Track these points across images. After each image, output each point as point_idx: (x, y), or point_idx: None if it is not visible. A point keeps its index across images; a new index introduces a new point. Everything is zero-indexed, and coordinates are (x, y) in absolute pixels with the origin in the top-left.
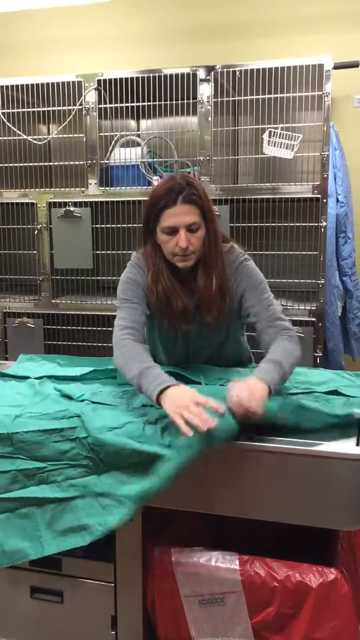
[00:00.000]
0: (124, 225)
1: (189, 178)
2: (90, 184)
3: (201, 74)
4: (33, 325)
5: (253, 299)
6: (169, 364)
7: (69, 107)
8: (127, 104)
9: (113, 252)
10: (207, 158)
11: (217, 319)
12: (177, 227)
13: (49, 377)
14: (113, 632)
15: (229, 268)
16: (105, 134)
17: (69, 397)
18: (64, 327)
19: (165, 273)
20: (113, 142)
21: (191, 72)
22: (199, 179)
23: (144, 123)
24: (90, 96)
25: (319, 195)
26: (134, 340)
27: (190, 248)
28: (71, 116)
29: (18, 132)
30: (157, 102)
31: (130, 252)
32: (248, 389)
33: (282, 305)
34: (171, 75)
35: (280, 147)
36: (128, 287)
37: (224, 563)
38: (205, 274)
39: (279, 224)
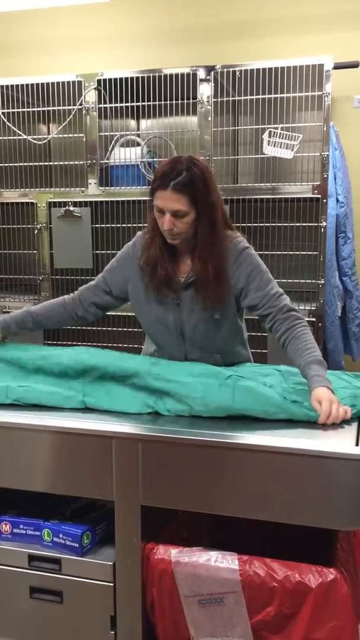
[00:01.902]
0: (124, 225)
1: (194, 163)
2: (90, 183)
3: (201, 73)
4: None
5: (260, 289)
6: (167, 343)
7: (69, 107)
8: (127, 104)
9: (113, 251)
10: (207, 158)
11: (213, 301)
12: (164, 210)
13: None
14: (112, 632)
15: (231, 250)
16: (105, 133)
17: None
18: (64, 327)
19: (158, 242)
20: (113, 142)
21: (191, 72)
22: None
23: (143, 123)
24: (90, 96)
25: (319, 196)
26: (61, 302)
27: (175, 230)
28: (71, 116)
29: (18, 131)
30: (157, 102)
31: None
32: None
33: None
34: (171, 75)
35: (280, 147)
36: (111, 269)
37: (223, 563)
38: (201, 259)
39: (278, 224)
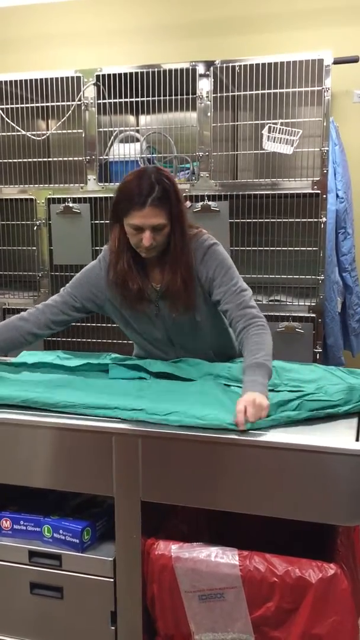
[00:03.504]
0: None
1: (162, 174)
2: (89, 179)
3: (200, 69)
4: None
5: (222, 285)
6: (158, 350)
7: (68, 103)
8: (126, 100)
9: None
10: (207, 153)
11: (188, 306)
12: (143, 228)
13: (43, 363)
14: (113, 628)
15: (197, 251)
16: (104, 129)
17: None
18: None
19: (126, 257)
20: (112, 137)
21: (190, 68)
22: (199, 175)
23: (143, 118)
24: (89, 91)
25: (319, 191)
26: (21, 318)
27: (153, 244)
28: (70, 112)
29: (17, 127)
30: (156, 98)
31: None
32: (253, 406)
33: (282, 301)
34: (170, 71)
35: (280, 143)
36: (79, 285)
37: (223, 558)
38: (172, 269)
39: (278, 220)
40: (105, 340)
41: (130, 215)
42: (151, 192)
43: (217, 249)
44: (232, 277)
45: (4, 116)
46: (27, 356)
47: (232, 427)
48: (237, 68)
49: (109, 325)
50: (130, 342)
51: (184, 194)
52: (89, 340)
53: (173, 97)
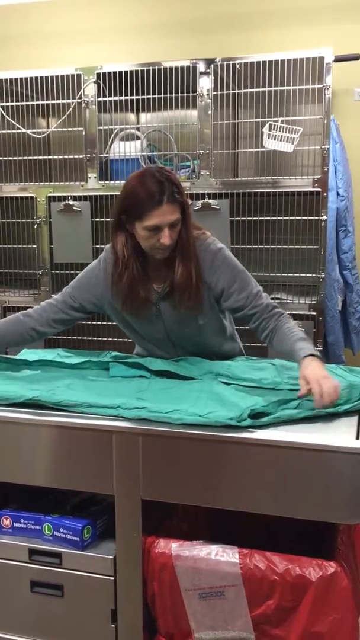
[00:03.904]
0: None
1: (164, 171)
2: (89, 177)
3: (201, 67)
4: None
5: (242, 291)
6: (159, 350)
7: (68, 101)
8: (126, 97)
9: None
10: (207, 152)
11: (192, 306)
12: (162, 226)
13: (44, 361)
14: (113, 626)
15: (205, 254)
16: (105, 127)
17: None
18: None
19: (135, 264)
20: (112, 135)
21: (191, 65)
22: (199, 173)
23: (143, 116)
24: (90, 89)
25: (320, 189)
26: (26, 314)
27: (171, 243)
28: (70, 109)
29: (17, 125)
30: (156, 96)
31: None
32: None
33: (283, 299)
34: (171, 68)
35: (281, 141)
36: (80, 286)
37: (223, 557)
38: (183, 264)
39: (279, 218)
40: (106, 339)
41: (147, 216)
42: (164, 190)
43: (227, 254)
44: (248, 282)
45: (4, 114)
46: (28, 354)
47: (233, 423)
48: (237, 66)
49: (110, 323)
50: (131, 340)
51: (185, 192)
52: (90, 338)
53: (173, 95)
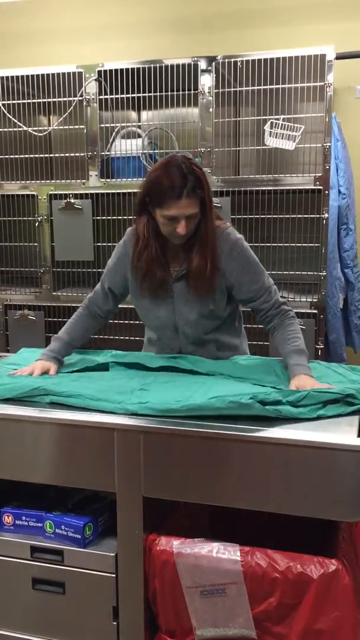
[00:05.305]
0: (125, 217)
1: (192, 164)
2: (91, 175)
3: (202, 64)
4: (34, 318)
5: (254, 283)
6: (162, 337)
7: (70, 98)
8: (127, 95)
9: (114, 244)
10: (209, 149)
11: (206, 292)
12: (179, 218)
13: None
14: (114, 623)
15: (224, 244)
16: (106, 125)
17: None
18: (65, 320)
19: (154, 245)
20: (114, 133)
21: (192, 63)
22: None
23: (144, 114)
24: (91, 87)
25: (321, 187)
26: (82, 313)
27: (187, 233)
28: (72, 107)
29: (18, 123)
30: (158, 93)
31: None
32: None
33: (284, 297)
34: (172, 66)
35: (282, 139)
36: (108, 271)
37: (225, 554)
38: (200, 254)
39: (280, 216)
40: (106, 337)
41: (166, 206)
42: (186, 183)
43: (244, 244)
44: (262, 275)
45: (6, 112)
46: (27, 352)
47: (237, 399)
48: (239, 63)
49: (111, 322)
50: (131, 338)
51: (208, 186)
52: (95, 336)
53: (175, 93)
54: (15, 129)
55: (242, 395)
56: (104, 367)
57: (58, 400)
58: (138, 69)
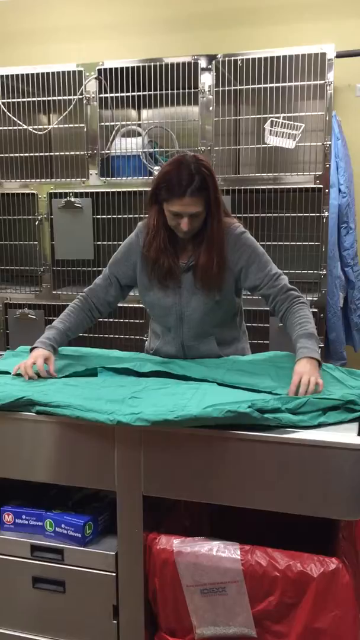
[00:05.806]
0: (125, 216)
1: (201, 164)
2: (91, 174)
3: (202, 63)
4: (34, 317)
5: (260, 271)
6: (165, 329)
7: (70, 97)
8: (127, 94)
9: (114, 242)
10: (209, 148)
11: (213, 285)
12: (182, 215)
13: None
14: (115, 622)
15: (229, 238)
16: (106, 123)
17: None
18: None
19: (162, 236)
20: (114, 132)
21: (192, 61)
22: None
23: (144, 113)
24: (91, 86)
25: (321, 186)
26: (78, 306)
27: (190, 228)
28: (72, 106)
29: (18, 122)
30: (158, 92)
31: None
32: (309, 374)
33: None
34: (172, 65)
35: (282, 137)
36: (116, 261)
37: (225, 553)
38: (207, 250)
39: (280, 215)
40: (107, 336)
41: (170, 202)
42: (190, 183)
43: (248, 236)
44: (267, 263)
45: (6, 110)
46: (12, 357)
47: (234, 408)
48: (239, 62)
49: (111, 321)
50: (132, 337)
51: (217, 187)
52: (90, 335)
53: (175, 91)
54: (15, 128)
55: (239, 404)
56: (92, 372)
57: (45, 410)
58: (138, 67)
